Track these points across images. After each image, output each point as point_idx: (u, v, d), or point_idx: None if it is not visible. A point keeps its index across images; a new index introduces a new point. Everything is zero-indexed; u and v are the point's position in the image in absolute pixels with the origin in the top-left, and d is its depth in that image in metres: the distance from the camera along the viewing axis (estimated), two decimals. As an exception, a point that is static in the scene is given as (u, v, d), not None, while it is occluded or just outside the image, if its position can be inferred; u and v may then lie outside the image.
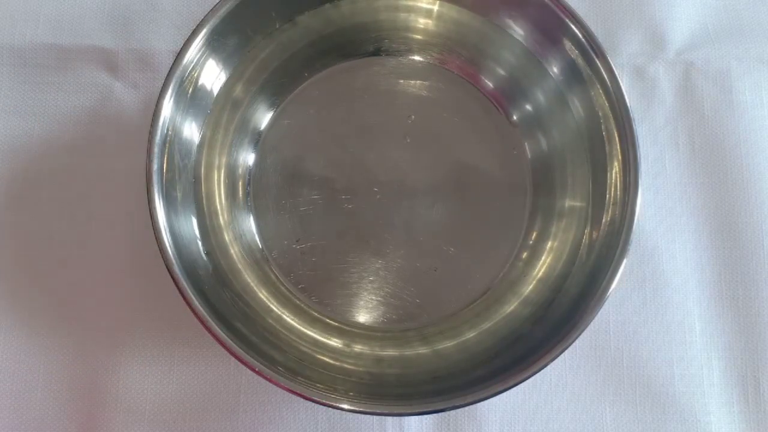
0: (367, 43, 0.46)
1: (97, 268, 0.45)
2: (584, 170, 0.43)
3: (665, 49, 0.48)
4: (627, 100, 0.39)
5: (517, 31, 0.43)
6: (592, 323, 0.36)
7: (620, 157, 0.39)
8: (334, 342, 0.43)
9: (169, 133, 0.39)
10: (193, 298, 0.36)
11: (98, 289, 0.45)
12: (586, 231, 0.42)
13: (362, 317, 0.44)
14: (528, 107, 0.45)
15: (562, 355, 0.36)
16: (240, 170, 0.45)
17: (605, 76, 0.39)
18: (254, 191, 0.45)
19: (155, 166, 0.37)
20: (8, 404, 0.43)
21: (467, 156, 0.45)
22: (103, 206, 0.45)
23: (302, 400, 0.36)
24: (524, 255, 0.44)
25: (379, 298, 0.44)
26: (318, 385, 0.38)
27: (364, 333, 0.43)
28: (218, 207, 0.43)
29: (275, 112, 0.46)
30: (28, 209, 0.46)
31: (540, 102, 0.45)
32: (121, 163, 0.46)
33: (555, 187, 0.44)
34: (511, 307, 0.43)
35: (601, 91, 0.40)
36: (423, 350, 0.43)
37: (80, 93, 0.47)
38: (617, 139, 0.39)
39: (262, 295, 0.43)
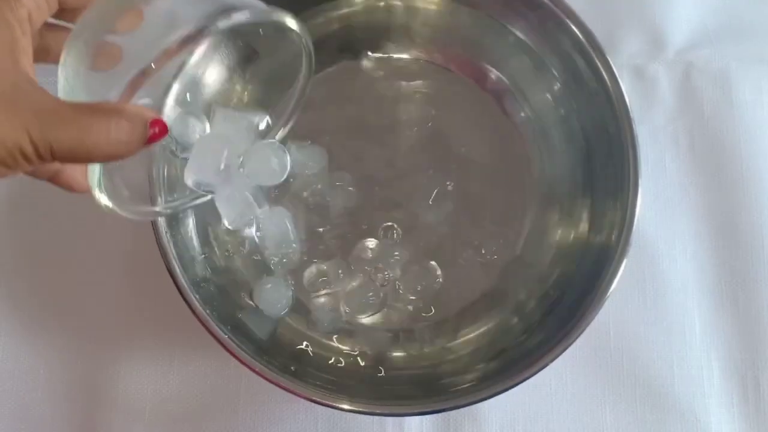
0: (366, 43, 0.46)
1: (97, 268, 0.45)
2: (584, 170, 0.43)
3: (665, 49, 0.48)
4: (627, 100, 0.39)
5: (518, 30, 0.43)
6: (592, 323, 0.36)
7: (620, 158, 0.39)
8: (335, 342, 0.43)
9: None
10: (194, 298, 0.36)
11: (98, 289, 0.45)
12: (587, 231, 0.42)
13: (363, 317, 0.44)
14: (528, 106, 0.45)
15: (562, 355, 0.36)
16: (240, 170, 0.45)
17: (605, 76, 0.39)
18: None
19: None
20: (9, 404, 0.43)
21: (467, 155, 0.45)
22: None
23: (302, 400, 0.36)
24: (524, 255, 0.44)
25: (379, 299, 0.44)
26: (318, 384, 0.38)
27: (365, 333, 0.43)
28: (218, 207, 0.43)
29: (275, 112, 0.46)
30: (28, 210, 0.46)
31: (540, 101, 0.45)
32: (121, 163, 0.46)
33: (555, 187, 0.44)
34: (511, 307, 0.43)
35: (601, 91, 0.40)
36: (423, 350, 0.43)
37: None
38: (617, 139, 0.39)
39: (262, 295, 0.43)
